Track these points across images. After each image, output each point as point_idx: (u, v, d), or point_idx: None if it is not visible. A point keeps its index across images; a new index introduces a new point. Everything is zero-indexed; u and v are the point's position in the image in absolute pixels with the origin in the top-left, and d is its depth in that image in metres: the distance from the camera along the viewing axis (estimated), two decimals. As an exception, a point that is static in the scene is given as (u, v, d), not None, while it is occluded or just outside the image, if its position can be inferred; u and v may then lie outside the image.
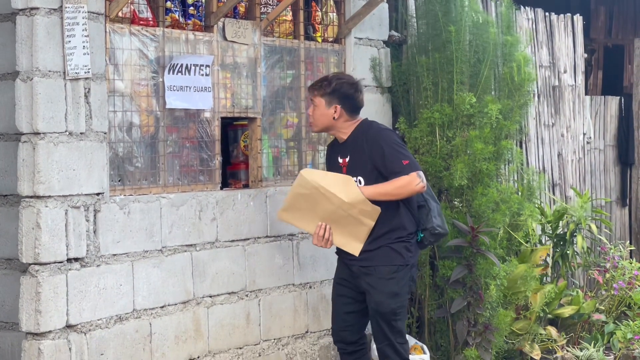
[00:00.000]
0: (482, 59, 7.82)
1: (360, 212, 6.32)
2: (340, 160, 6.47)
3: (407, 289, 6.48)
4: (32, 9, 5.44)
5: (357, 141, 6.41)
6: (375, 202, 6.30)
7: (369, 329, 6.65)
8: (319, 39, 7.41)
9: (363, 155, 6.37)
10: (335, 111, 6.40)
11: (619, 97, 11.13)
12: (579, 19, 10.28)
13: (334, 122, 6.43)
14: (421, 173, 6.32)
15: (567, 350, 8.54)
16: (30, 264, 5.48)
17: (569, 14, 10.17)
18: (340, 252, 6.56)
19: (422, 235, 6.52)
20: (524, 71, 8.03)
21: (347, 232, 6.38)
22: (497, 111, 7.68)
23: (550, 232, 9.15)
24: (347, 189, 6.32)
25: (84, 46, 5.60)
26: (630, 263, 9.41)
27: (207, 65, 6.49)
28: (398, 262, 6.37)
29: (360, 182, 6.37)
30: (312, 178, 6.36)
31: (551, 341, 8.56)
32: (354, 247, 6.39)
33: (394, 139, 6.44)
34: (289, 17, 7.17)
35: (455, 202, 7.73)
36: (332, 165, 6.56)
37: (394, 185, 6.28)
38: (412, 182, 6.27)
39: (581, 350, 8.57)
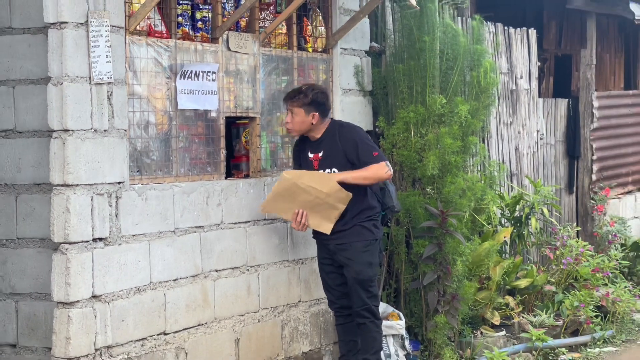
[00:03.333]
0: (453, 66, 7.81)
1: (335, 200, 6.44)
2: (311, 155, 6.60)
3: (377, 260, 6.68)
4: (61, 23, 5.41)
5: (330, 138, 6.56)
6: (347, 188, 6.41)
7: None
8: (310, 49, 7.38)
9: (337, 150, 6.52)
10: (313, 118, 6.52)
11: (567, 100, 11.14)
12: (533, 32, 10.27)
13: (312, 126, 6.56)
14: (388, 163, 6.52)
15: (523, 317, 8.55)
16: (60, 243, 5.46)
17: (524, 28, 10.16)
18: (316, 234, 6.64)
19: (383, 213, 6.74)
20: (489, 76, 8.03)
21: (321, 216, 6.49)
22: (466, 111, 7.68)
23: (509, 215, 9.16)
24: (325, 182, 6.44)
25: (106, 55, 5.57)
26: (577, 242, 9.43)
27: (213, 72, 6.46)
28: (370, 237, 6.55)
29: (334, 172, 6.52)
30: (292, 176, 6.47)
31: (509, 309, 8.56)
32: (326, 227, 6.51)
33: (365, 135, 6.66)
34: (284, 30, 7.14)
35: (428, 190, 7.72)
36: (302, 159, 6.67)
37: (368, 172, 6.45)
38: (381, 170, 6.45)
39: (535, 316, 8.59)
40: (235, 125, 6.95)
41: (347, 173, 6.45)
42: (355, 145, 6.49)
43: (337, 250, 6.56)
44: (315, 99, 6.51)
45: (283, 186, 6.46)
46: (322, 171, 6.52)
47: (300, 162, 6.68)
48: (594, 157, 11.29)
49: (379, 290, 7.07)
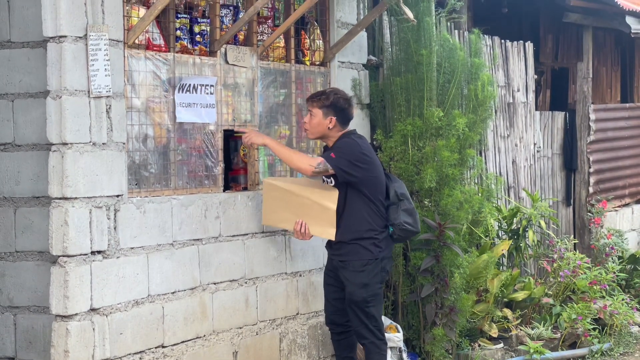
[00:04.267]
0: (451, 79, 7.83)
1: (320, 196, 6.42)
2: None
3: (378, 279, 6.49)
4: (60, 37, 5.43)
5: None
6: (337, 186, 6.42)
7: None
8: (308, 63, 7.40)
9: None
10: (330, 122, 6.46)
11: (564, 112, 11.16)
12: (529, 46, 10.30)
13: (328, 131, 6.49)
14: (324, 165, 6.28)
15: (521, 329, 8.55)
16: (59, 256, 5.46)
17: (521, 41, 10.19)
18: (327, 247, 6.60)
19: (391, 229, 6.53)
20: (487, 89, 8.04)
21: (319, 221, 6.46)
22: (464, 124, 7.70)
23: (506, 227, 9.16)
24: (304, 182, 6.57)
25: (105, 69, 5.59)
26: (574, 254, 9.43)
27: (212, 85, 6.47)
28: (367, 257, 6.42)
29: (331, 182, 6.49)
30: (273, 182, 6.57)
31: (507, 321, 8.56)
32: (329, 233, 6.46)
33: (351, 148, 6.39)
34: (282, 43, 7.16)
35: (425, 202, 7.73)
36: None
37: (294, 154, 6.38)
38: (305, 160, 6.34)
39: (532, 329, 8.58)
40: (233, 138, 6.96)
41: (277, 143, 6.46)
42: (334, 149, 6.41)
43: (339, 267, 6.53)
44: (335, 102, 6.43)
45: (270, 194, 6.53)
46: (328, 180, 6.49)
47: None
48: (591, 170, 11.31)
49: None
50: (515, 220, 9.17)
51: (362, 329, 6.48)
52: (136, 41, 5.91)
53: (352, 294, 6.43)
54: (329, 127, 6.46)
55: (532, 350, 8.00)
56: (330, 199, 6.39)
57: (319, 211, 6.43)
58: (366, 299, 6.43)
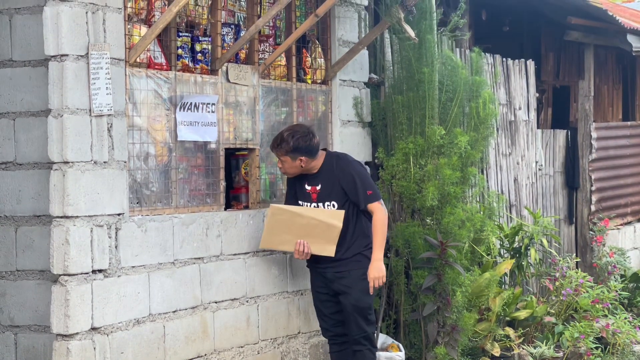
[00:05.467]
0: (452, 97, 7.84)
1: (327, 216, 6.47)
2: (309, 187, 6.60)
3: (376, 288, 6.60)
4: (62, 55, 5.44)
5: (328, 172, 6.56)
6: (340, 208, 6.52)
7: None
8: (309, 81, 7.41)
9: (335, 184, 6.53)
10: (301, 161, 6.52)
11: (566, 131, 11.16)
12: (531, 64, 10.32)
13: (304, 168, 6.55)
14: (382, 200, 6.56)
15: (523, 348, 8.52)
16: (60, 275, 5.46)
17: (522, 59, 10.20)
18: (311, 262, 6.64)
19: None
20: (488, 107, 8.05)
21: (319, 240, 6.50)
22: (466, 142, 7.70)
23: (508, 246, 9.15)
24: (311, 209, 6.53)
25: (107, 87, 5.60)
26: (577, 273, 9.41)
27: (213, 104, 6.48)
28: (368, 265, 6.51)
29: (334, 206, 6.53)
30: (280, 206, 6.60)
31: (509, 340, 8.54)
32: (330, 250, 6.50)
33: (360, 168, 6.65)
34: (283, 62, 7.18)
35: (427, 220, 7.73)
36: (297, 191, 6.66)
37: (379, 230, 6.47)
38: (384, 216, 6.50)
39: (535, 348, 8.55)
40: (234, 157, 6.97)
41: (376, 253, 6.44)
42: (354, 183, 6.48)
43: (335, 279, 6.56)
44: (297, 145, 6.46)
45: (276, 218, 6.53)
46: (313, 206, 6.55)
47: (296, 190, 6.67)
48: (593, 188, 11.31)
49: (379, 321, 7.06)
50: (517, 238, 9.16)
51: (361, 337, 6.56)
52: (137, 60, 5.93)
53: (358, 301, 6.50)
54: (302, 166, 6.53)
55: (534, 370, 7.98)
56: (337, 218, 6.47)
57: (323, 230, 6.46)
58: (370, 305, 6.56)
